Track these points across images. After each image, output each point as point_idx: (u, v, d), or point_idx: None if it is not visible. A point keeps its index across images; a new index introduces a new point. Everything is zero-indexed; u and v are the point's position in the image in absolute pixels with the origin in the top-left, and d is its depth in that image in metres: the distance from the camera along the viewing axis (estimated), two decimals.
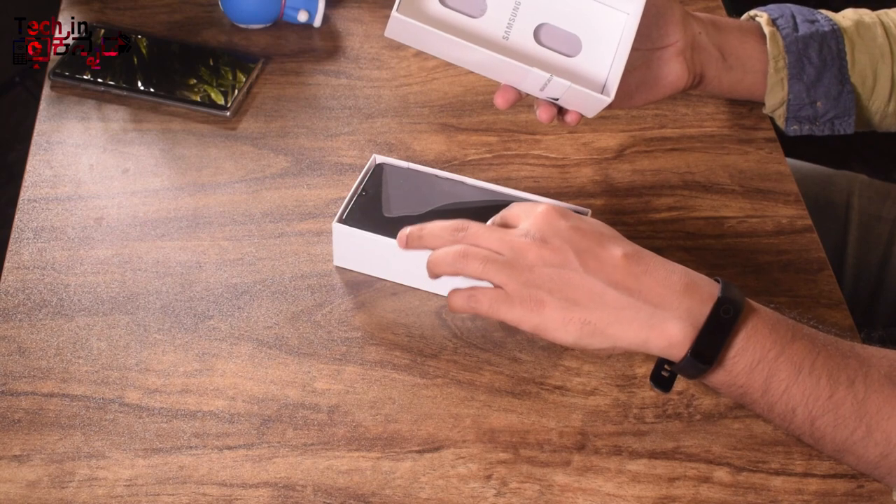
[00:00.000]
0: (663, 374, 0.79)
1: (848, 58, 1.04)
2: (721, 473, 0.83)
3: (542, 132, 1.08)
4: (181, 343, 0.90)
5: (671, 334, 0.76)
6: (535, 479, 0.82)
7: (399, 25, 0.88)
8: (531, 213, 0.80)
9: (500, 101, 0.91)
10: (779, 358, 0.76)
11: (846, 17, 1.06)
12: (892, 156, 2.00)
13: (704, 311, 0.76)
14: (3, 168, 1.96)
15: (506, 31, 0.91)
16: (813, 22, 1.04)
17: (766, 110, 1.07)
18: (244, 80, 1.11)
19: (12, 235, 0.97)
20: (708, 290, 0.77)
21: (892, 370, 0.76)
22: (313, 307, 0.93)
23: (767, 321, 0.77)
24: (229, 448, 0.83)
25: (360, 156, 1.05)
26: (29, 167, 1.03)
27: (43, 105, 1.09)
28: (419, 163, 0.99)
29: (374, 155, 0.99)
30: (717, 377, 0.77)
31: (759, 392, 0.77)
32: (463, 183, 0.97)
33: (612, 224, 0.99)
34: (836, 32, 1.04)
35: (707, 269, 0.96)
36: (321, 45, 1.17)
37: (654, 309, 0.76)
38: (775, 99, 1.05)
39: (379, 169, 0.98)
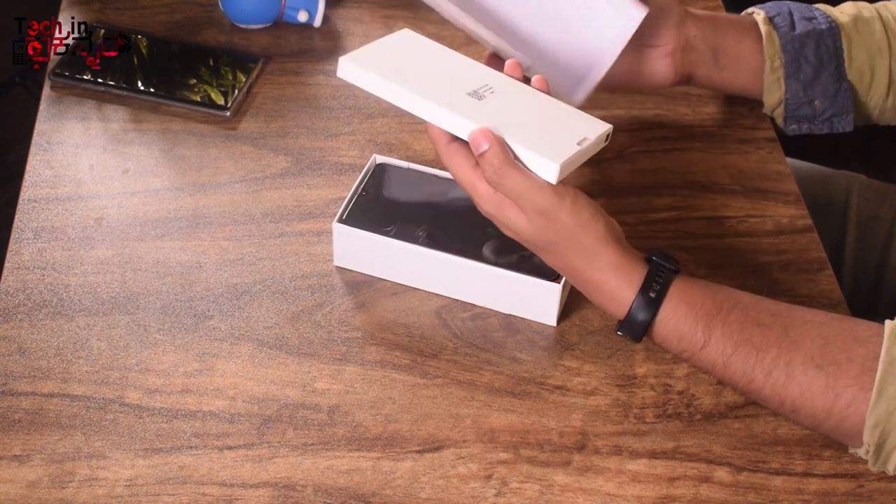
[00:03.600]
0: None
1: (845, 55, 1.04)
2: (721, 473, 0.83)
3: None
4: (181, 343, 0.90)
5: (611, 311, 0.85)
6: (535, 479, 0.82)
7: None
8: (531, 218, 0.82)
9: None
10: (692, 358, 0.82)
11: (844, 12, 1.06)
12: (893, 156, 2.00)
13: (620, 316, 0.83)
14: (3, 168, 1.96)
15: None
16: (810, 19, 1.04)
17: (766, 110, 1.07)
18: (244, 80, 1.11)
19: (12, 235, 0.97)
20: (617, 315, 0.83)
21: (823, 348, 0.79)
22: (313, 307, 0.93)
23: (675, 334, 0.82)
24: (229, 448, 0.83)
25: (360, 156, 1.05)
26: (29, 167, 1.03)
27: (43, 105, 1.09)
28: (419, 163, 0.99)
29: (374, 155, 0.99)
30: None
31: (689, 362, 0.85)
32: None
33: None
34: (834, 30, 1.04)
35: (707, 269, 0.96)
36: (321, 45, 1.17)
37: (597, 300, 0.85)
38: (773, 98, 1.05)
39: (379, 169, 0.98)
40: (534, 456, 0.84)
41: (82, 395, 0.86)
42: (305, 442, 0.84)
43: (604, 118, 1.09)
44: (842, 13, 1.06)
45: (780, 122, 1.08)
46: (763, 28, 1.04)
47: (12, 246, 0.96)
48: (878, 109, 1.08)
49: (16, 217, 0.98)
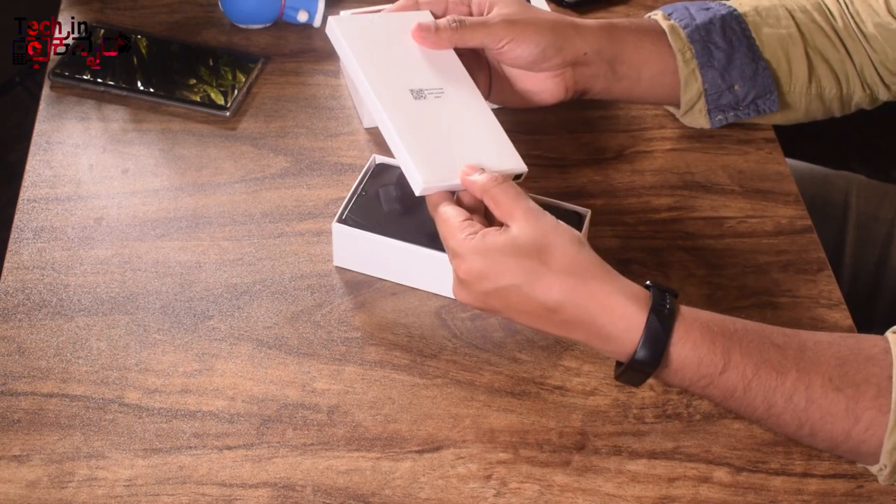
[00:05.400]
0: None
1: (754, 35, 1.01)
2: (721, 473, 0.83)
3: (541, 132, 1.08)
4: (181, 343, 0.90)
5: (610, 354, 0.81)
6: (534, 479, 0.82)
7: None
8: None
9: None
10: (708, 387, 0.78)
11: (743, 3, 1.04)
12: (892, 156, 2.00)
13: (625, 356, 0.79)
14: (3, 168, 1.96)
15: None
16: (707, 9, 1.02)
17: (683, 107, 1.03)
18: (244, 80, 1.11)
19: (12, 235, 0.97)
20: (625, 345, 0.78)
21: (839, 369, 0.77)
22: (313, 307, 0.93)
23: (693, 358, 0.77)
24: (229, 448, 0.83)
25: (360, 156, 1.05)
26: (29, 167, 1.03)
27: (43, 105, 1.09)
28: None
29: (374, 155, 0.99)
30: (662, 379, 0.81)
31: (700, 396, 0.82)
32: None
33: (613, 224, 0.99)
34: (734, 13, 1.01)
35: (707, 269, 0.96)
36: (321, 45, 1.17)
37: (588, 342, 0.80)
38: (692, 92, 1.02)
39: (379, 169, 0.98)
40: (533, 456, 0.84)
41: (82, 395, 0.86)
42: (305, 442, 0.84)
43: (603, 117, 1.10)
44: (741, 4, 1.03)
45: (703, 117, 1.03)
46: (664, 24, 1.00)
47: (12, 246, 0.96)
48: (803, 101, 1.04)
49: (16, 217, 0.98)
